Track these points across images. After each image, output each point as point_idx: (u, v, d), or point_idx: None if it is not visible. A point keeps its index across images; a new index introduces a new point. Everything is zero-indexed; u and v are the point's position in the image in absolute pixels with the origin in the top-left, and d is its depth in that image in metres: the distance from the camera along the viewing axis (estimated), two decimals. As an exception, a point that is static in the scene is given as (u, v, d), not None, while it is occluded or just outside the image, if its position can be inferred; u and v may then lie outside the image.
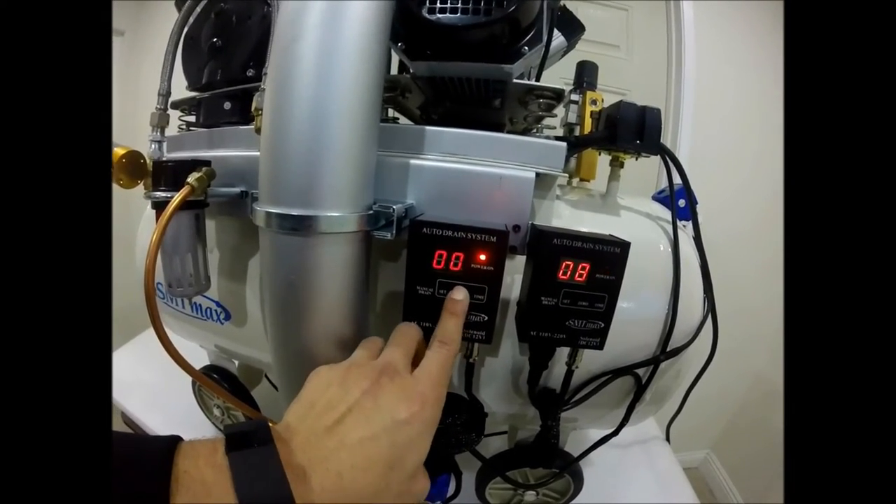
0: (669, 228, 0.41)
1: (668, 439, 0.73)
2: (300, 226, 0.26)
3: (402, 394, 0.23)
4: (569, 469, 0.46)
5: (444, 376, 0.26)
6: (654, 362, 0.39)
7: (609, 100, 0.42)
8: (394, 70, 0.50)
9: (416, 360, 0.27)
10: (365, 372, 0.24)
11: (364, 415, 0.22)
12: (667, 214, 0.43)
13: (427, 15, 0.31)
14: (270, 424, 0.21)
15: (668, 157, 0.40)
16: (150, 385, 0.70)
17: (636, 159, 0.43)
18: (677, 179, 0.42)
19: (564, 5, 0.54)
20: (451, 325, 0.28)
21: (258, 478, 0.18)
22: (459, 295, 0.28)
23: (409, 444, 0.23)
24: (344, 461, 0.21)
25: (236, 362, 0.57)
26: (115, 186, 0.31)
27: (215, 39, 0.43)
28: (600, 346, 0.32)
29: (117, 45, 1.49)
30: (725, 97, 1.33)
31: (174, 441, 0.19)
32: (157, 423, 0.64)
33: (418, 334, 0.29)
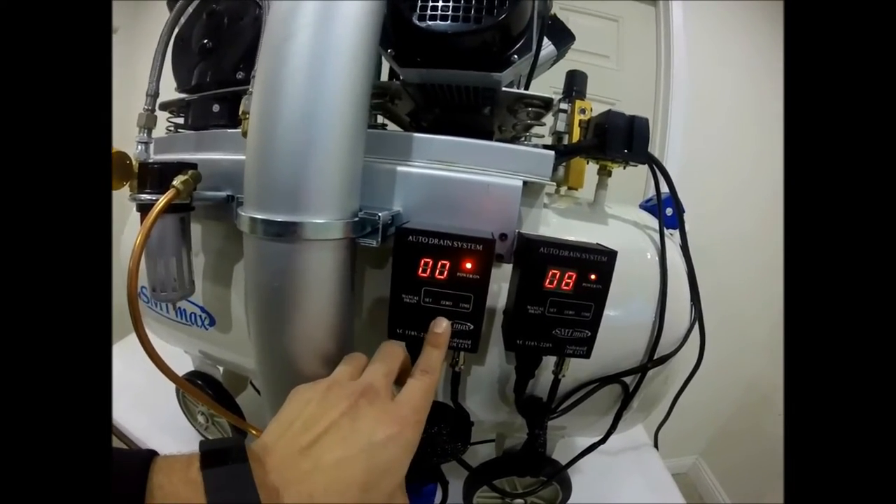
0: (657, 237, 0.41)
1: (656, 446, 0.73)
2: (285, 232, 0.26)
3: (380, 416, 0.23)
4: (556, 477, 0.46)
5: (424, 403, 0.26)
6: (641, 370, 0.39)
7: (598, 109, 0.43)
8: (383, 77, 0.50)
9: (400, 380, 0.27)
10: (345, 392, 0.24)
11: (341, 436, 0.22)
12: (654, 223, 0.43)
13: (418, 22, 0.31)
14: (251, 438, 0.21)
15: (656, 165, 0.40)
16: (136, 388, 0.69)
17: (624, 168, 0.43)
18: (665, 188, 0.42)
19: (555, 14, 0.54)
20: (433, 356, 0.28)
21: (231, 496, 0.18)
22: (440, 328, 0.29)
23: (385, 468, 0.22)
24: (318, 483, 0.20)
25: (221, 368, 0.56)
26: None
27: (206, 40, 0.42)
28: (587, 355, 0.32)
29: (112, 43, 1.48)
30: (720, 100, 1.34)
31: (150, 455, 0.19)
32: (141, 427, 0.63)
33: (402, 353, 0.29)
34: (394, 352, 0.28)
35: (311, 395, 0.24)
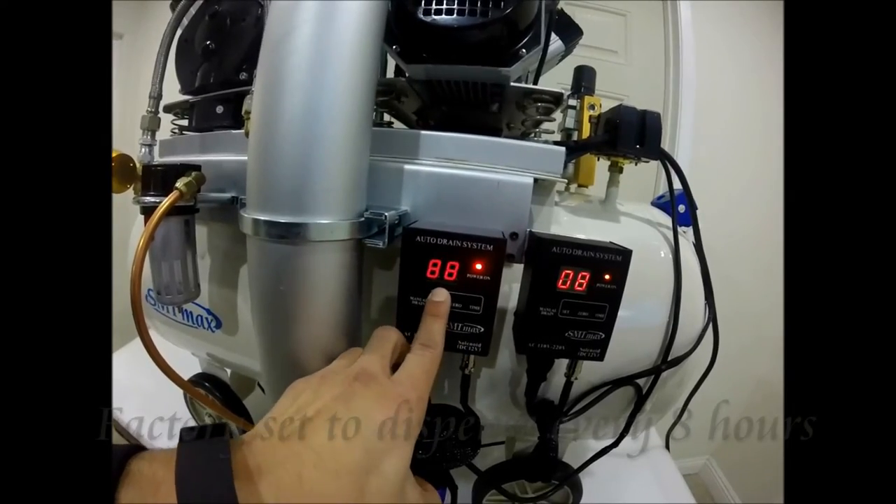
0: (670, 234, 0.40)
1: (667, 447, 0.72)
2: (289, 233, 0.25)
3: (377, 397, 0.22)
4: (567, 481, 0.45)
5: (425, 379, 0.25)
6: (654, 372, 0.38)
7: (607, 105, 0.42)
8: (389, 74, 0.50)
9: (400, 362, 0.26)
10: (339, 379, 0.23)
11: (333, 417, 0.21)
12: (667, 220, 0.42)
13: (423, 16, 0.30)
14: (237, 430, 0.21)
15: (669, 161, 0.39)
16: (144, 390, 0.69)
17: (635, 164, 0.42)
18: (677, 185, 0.41)
19: (562, 9, 0.53)
20: (433, 328, 0.27)
21: (202, 473, 0.17)
22: (440, 296, 0.27)
23: (386, 449, 0.21)
24: (306, 462, 0.19)
25: (228, 370, 0.55)
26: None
27: (209, 42, 0.42)
28: (601, 358, 0.31)
29: (116, 48, 1.49)
30: (725, 99, 1.33)
31: (133, 448, 0.18)
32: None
33: (396, 336, 0.27)
34: (387, 335, 0.27)
35: (304, 387, 0.24)
